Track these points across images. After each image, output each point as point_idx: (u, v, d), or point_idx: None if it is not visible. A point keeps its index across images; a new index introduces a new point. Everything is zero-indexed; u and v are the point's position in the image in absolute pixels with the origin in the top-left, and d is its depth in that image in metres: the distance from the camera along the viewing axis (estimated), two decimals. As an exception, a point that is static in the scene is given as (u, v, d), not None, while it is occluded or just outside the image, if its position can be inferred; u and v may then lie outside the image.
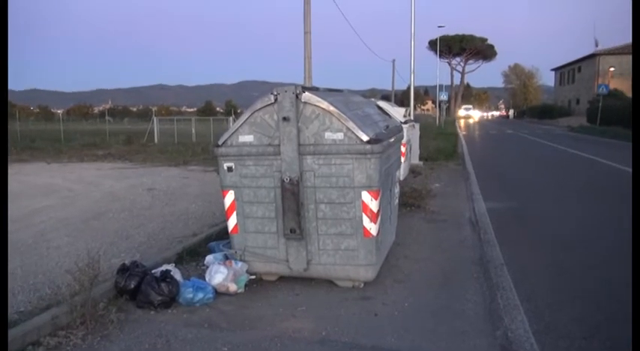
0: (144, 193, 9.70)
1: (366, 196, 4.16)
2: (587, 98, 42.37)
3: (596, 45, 47.25)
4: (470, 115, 78.49)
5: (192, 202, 8.61)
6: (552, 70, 63.47)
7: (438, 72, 57.30)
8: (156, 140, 24.11)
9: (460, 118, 70.62)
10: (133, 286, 4.05)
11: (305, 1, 15.08)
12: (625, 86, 42.16)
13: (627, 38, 49.29)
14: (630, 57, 44.53)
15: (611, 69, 43.96)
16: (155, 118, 26.13)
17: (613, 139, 25.14)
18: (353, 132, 4.10)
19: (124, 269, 4.18)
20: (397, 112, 10.91)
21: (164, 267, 4.33)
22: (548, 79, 73.39)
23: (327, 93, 4.61)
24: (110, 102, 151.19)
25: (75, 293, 3.70)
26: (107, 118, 49.38)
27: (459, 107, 79.19)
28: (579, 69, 51.82)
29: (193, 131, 25.50)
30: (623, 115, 30.99)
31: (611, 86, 37.61)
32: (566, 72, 57.08)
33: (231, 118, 24.94)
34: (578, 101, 50.19)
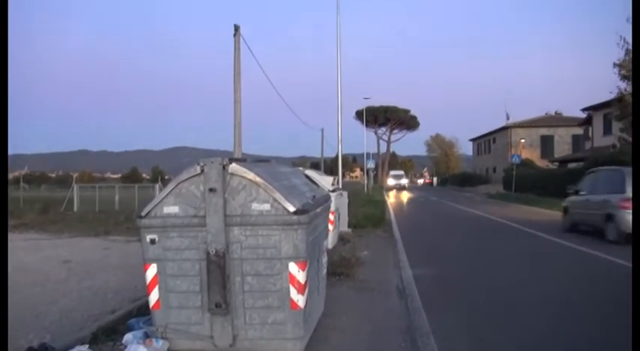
0: (59, 265, 9.11)
1: (293, 268, 4.15)
2: (503, 167, 45.37)
3: (508, 118, 51.38)
4: (402, 185, 58.63)
5: (113, 274, 8.17)
6: (470, 140, 67.89)
7: (365, 141, 59.26)
8: (75, 208, 22.99)
9: (390, 188, 55.34)
10: (40, 371, 3.72)
11: (235, 71, 15.51)
12: (534, 156, 45.85)
13: (533, 113, 54.17)
14: (536, 130, 48.78)
15: (522, 140, 47.65)
16: (75, 185, 25.05)
17: (526, 205, 26.80)
18: (279, 203, 4.15)
19: (30, 353, 3.84)
20: (325, 181, 11.14)
21: (77, 348, 4.04)
22: (467, 149, 77.91)
23: (254, 164, 4.68)
24: (27, 168, 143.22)
25: (-29, 383, 3.34)
26: (22, 184, 46.61)
27: (387, 175, 65.32)
28: (494, 140, 55.80)
29: (116, 199, 24.60)
30: (534, 182, 33.49)
31: (523, 156, 40.55)
32: (483, 142, 61.25)
33: (157, 186, 24.39)
34: (494, 170, 53.60)
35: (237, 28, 15.23)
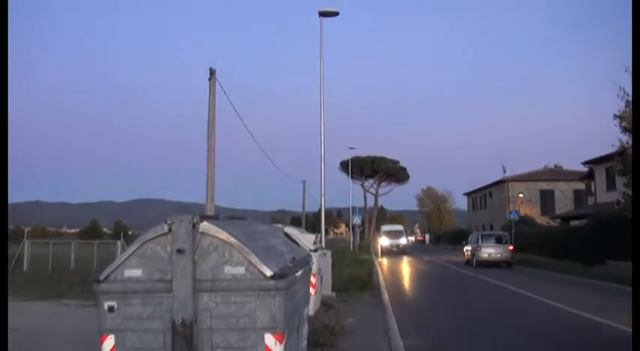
0: (2, 334, 8.75)
1: (269, 340, 4.05)
2: (500, 223, 45.54)
3: (504, 171, 52.11)
4: (401, 246, 45.18)
5: (63, 345, 7.90)
6: (465, 194, 68.53)
7: (351, 194, 58.86)
8: (25, 267, 22.36)
9: (383, 249, 44.33)
10: None
11: (209, 117, 15.60)
12: (534, 212, 46.20)
13: (531, 166, 55.16)
14: (535, 184, 49.47)
15: (520, 195, 48.09)
16: (26, 241, 24.50)
17: (527, 266, 26.81)
18: (255, 266, 4.09)
19: None
20: (307, 239, 11.06)
21: None
22: (461, 203, 78.44)
23: (228, 221, 4.65)
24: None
25: None
26: (-34, 239, 45.47)
27: (377, 232, 55.02)
28: (490, 194, 56.31)
29: (72, 256, 24.03)
30: (535, 241, 33.58)
31: (521, 212, 40.91)
32: (478, 197, 61.79)
33: (119, 242, 23.98)
34: (491, 226, 53.75)
35: (212, 72, 15.45)
